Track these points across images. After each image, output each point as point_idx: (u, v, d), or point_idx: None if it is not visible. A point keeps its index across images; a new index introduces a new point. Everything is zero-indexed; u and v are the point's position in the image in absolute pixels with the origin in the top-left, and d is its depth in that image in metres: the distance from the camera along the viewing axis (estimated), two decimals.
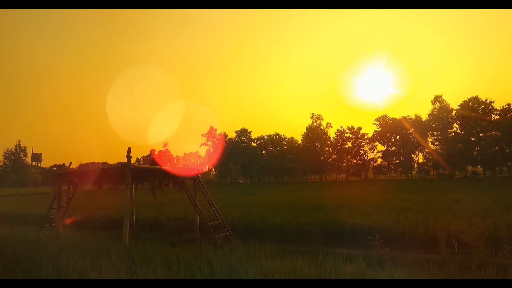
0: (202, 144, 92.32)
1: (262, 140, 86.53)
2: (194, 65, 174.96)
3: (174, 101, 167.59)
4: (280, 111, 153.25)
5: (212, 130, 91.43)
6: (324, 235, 9.76)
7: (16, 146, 65.63)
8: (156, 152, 11.40)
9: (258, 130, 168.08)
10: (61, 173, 9.94)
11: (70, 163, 10.24)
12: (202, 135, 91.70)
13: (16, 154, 64.95)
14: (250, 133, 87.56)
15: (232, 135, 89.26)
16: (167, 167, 10.05)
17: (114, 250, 6.89)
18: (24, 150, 66.29)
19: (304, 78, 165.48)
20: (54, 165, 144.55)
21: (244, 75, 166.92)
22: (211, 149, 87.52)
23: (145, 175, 9.53)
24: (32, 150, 68.36)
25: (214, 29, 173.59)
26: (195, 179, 10.98)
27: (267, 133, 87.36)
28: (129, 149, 8.67)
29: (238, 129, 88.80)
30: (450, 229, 8.13)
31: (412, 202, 14.57)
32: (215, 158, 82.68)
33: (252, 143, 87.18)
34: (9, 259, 6.80)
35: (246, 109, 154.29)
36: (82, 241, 8.35)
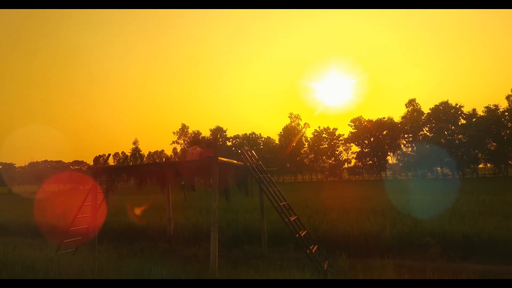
0: (173, 142, 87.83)
1: (238, 139, 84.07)
2: (166, 60, 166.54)
3: (141, 97, 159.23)
4: (255, 111, 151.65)
5: (184, 127, 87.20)
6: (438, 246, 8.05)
7: None
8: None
9: (234, 129, 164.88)
10: (98, 169, 7.08)
11: (109, 154, 7.42)
12: (174, 132, 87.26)
13: None
14: (225, 131, 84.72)
15: (206, 133, 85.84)
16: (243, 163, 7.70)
17: None
18: None
19: (282, 79, 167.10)
20: None
21: (217, 74, 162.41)
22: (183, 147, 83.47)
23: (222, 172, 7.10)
24: None
25: (195, 27, 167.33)
26: (265, 177, 8.71)
27: (243, 132, 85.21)
28: (215, 139, 6.21)
29: (212, 127, 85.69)
30: None
31: (467, 204, 13.51)
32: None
33: (228, 142, 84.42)
34: None
35: (221, 108, 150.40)
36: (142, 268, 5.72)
